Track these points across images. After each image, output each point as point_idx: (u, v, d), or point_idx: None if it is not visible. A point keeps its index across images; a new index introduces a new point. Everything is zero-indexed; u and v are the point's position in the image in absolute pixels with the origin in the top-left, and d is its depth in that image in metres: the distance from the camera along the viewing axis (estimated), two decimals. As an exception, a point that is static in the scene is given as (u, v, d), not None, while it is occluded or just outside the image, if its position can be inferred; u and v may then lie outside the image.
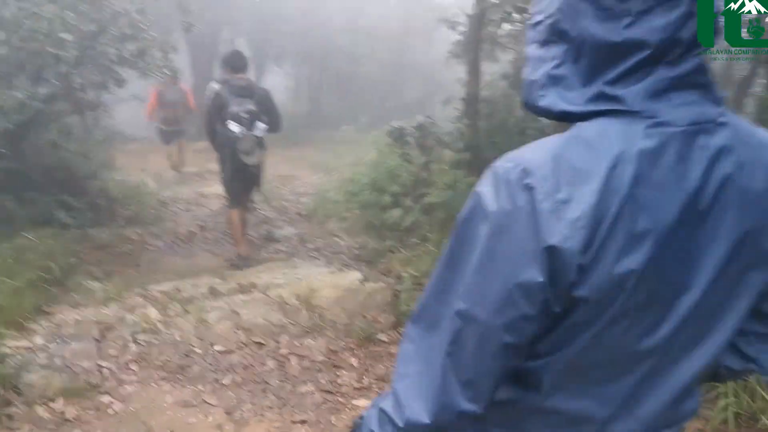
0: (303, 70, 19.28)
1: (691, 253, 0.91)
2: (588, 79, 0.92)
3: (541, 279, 0.85)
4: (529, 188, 0.85)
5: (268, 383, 3.38)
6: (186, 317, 3.95)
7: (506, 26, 8.84)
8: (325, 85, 18.65)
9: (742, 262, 0.93)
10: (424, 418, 0.94)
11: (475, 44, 6.94)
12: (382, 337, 3.91)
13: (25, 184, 6.24)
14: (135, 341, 3.60)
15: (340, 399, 3.28)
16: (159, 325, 3.79)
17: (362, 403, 3.20)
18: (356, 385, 3.40)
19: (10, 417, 2.99)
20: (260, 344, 3.71)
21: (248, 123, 5.49)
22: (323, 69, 18.19)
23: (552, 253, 0.84)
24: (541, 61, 0.96)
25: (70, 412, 3.06)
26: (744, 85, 5.36)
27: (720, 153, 0.89)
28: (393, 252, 5.77)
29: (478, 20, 6.82)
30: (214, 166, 7.94)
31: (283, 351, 3.66)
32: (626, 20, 0.87)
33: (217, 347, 3.61)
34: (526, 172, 0.86)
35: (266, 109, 5.63)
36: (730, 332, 1.00)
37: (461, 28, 8.48)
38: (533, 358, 0.96)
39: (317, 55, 17.58)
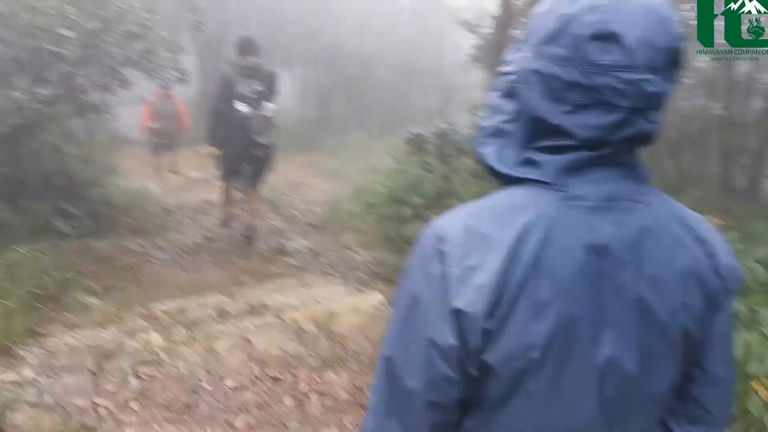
0: (311, 74, 18.88)
1: (592, 324, 0.91)
2: (524, 144, 0.97)
3: (452, 341, 0.89)
4: (441, 254, 0.90)
5: (286, 426, 2.97)
6: (192, 345, 3.55)
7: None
8: (334, 89, 18.23)
9: (656, 333, 0.94)
10: None
11: (499, 48, 6.54)
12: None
13: (22, 191, 5.87)
14: (135, 374, 3.20)
15: (367, 445, 2.88)
16: (162, 355, 3.38)
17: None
18: (385, 428, 2.99)
19: (-9, 465, 2.60)
20: (276, 379, 3.30)
21: (256, 103, 5.55)
22: (332, 73, 17.78)
23: (459, 316, 0.88)
24: (497, 111, 1.01)
25: (61, 459, 2.67)
26: None
27: (639, 231, 0.93)
28: (414, 269, 5.37)
29: (504, 23, 6.43)
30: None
31: (303, 387, 3.25)
32: (565, 107, 0.90)
33: (227, 382, 3.20)
34: (440, 239, 0.91)
35: (272, 93, 5.70)
36: (655, 406, 1.02)
37: (482, 31, 8.09)
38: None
39: (326, 58, 17.18)
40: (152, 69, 6.02)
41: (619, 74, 0.86)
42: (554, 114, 0.91)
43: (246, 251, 6.22)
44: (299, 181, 10.76)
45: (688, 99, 7.11)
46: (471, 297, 0.88)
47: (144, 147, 12.07)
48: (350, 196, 8.52)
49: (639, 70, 0.86)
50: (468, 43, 24.31)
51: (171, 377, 3.21)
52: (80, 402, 3.02)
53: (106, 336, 3.93)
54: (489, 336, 0.88)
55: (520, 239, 0.88)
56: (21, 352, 3.60)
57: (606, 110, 0.88)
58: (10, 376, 3.11)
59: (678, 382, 1.03)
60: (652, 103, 0.90)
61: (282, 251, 6.19)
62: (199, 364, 3.31)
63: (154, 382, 3.17)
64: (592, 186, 0.92)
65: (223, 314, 4.25)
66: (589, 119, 0.89)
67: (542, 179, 0.93)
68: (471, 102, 16.33)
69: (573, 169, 0.92)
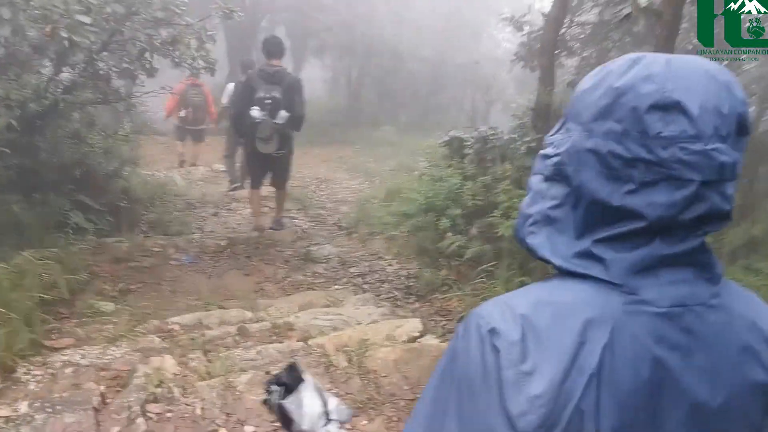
0: (343, 64, 18.47)
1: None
2: (581, 232, 0.87)
3: None
4: (496, 350, 0.81)
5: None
6: (209, 378, 3.17)
7: (576, 29, 8.01)
8: (365, 81, 17.80)
9: None
10: None
11: (550, 47, 6.07)
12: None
13: (38, 184, 5.54)
14: (144, 413, 2.82)
15: None
16: (175, 390, 3.01)
17: None
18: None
19: None
20: (302, 424, 2.91)
21: (270, 110, 5.59)
22: (364, 63, 17.35)
23: (515, 423, 0.78)
24: (541, 196, 0.92)
25: None
26: None
27: (707, 337, 0.86)
28: (450, 286, 4.96)
29: (556, 20, 5.95)
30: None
31: (331, 436, 2.86)
32: (628, 186, 0.82)
33: (248, 429, 2.81)
34: (494, 333, 0.82)
35: (290, 99, 5.69)
36: None
37: (528, 28, 7.60)
38: None
39: (359, 48, 16.74)
40: (179, 57, 5.64)
41: (687, 145, 0.80)
42: (616, 195, 0.83)
43: (271, 256, 5.85)
44: (327, 177, 10.40)
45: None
46: (524, 407, 0.79)
47: (170, 136, 11.83)
48: (381, 197, 8.12)
49: (708, 140, 0.80)
50: (504, 38, 23.70)
51: (184, 418, 2.82)
52: (80, 446, 2.66)
53: (117, 354, 3.58)
54: None
55: (581, 346, 0.80)
56: (22, 373, 3.26)
57: (675, 186, 0.81)
58: (3, 411, 2.75)
59: None
60: (725, 174, 0.82)
61: (309, 258, 5.81)
62: (216, 404, 2.92)
63: (164, 424, 2.79)
64: (664, 289, 0.84)
65: (244, 334, 3.88)
66: (657, 197, 0.82)
67: (608, 279, 0.84)
68: (504, 99, 15.84)
69: (644, 269, 0.84)
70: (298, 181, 9.46)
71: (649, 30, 6.61)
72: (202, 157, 10.56)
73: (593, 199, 0.85)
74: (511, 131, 6.74)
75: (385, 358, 3.38)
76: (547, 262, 0.90)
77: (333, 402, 1.26)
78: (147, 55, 5.67)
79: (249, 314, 4.33)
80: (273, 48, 5.75)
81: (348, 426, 2.93)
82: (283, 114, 5.66)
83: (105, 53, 5.66)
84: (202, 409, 2.88)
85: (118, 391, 3.05)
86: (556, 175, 0.90)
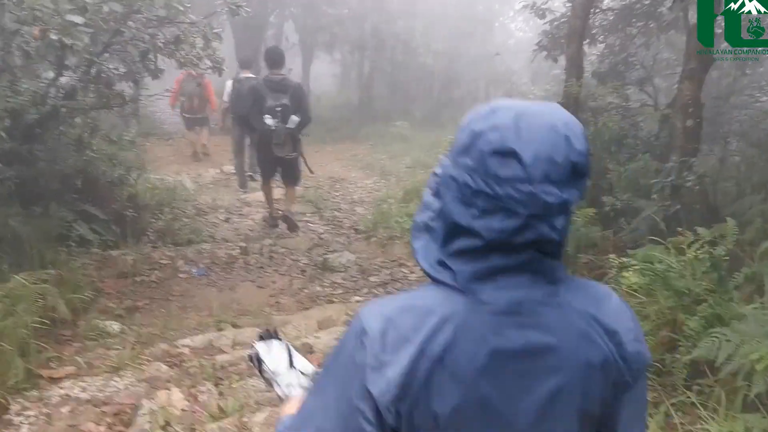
0: (353, 58, 18.08)
1: (495, 413, 1.03)
2: (442, 244, 1.06)
3: (369, 413, 1.00)
4: (363, 346, 1.01)
5: None
6: (221, 416, 2.84)
7: (599, 15, 7.59)
8: (376, 75, 17.39)
9: (557, 413, 1.05)
10: None
11: (578, 34, 5.68)
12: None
13: (37, 195, 5.24)
14: (148, 462, 2.51)
15: None
16: (183, 434, 2.68)
17: None
18: None
19: None
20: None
21: (282, 116, 5.92)
22: (375, 57, 16.94)
23: (373, 398, 1.00)
24: (426, 207, 1.11)
25: None
26: None
27: (539, 332, 1.02)
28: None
29: (585, 6, 5.56)
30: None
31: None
32: (474, 211, 1.00)
33: (264, 480, 2.49)
34: (363, 332, 1.02)
35: (298, 104, 6.07)
36: None
37: (551, 16, 7.20)
38: None
39: (369, 42, 16.34)
40: (183, 57, 5.31)
41: (518, 186, 0.96)
42: (465, 217, 1.01)
43: (286, 266, 5.52)
44: (341, 176, 10.05)
45: None
46: (383, 387, 1.00)
47: (177, 137, 11.56)
48: (398, 197, 7.77)
49: (537, 183, 0.96)
50: (518, 27, 23.22)
51: (192, 470, 2.51)
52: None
53: (120, 386, 3.27)
54: (399, 416, 1.01)
55: (429, 340, 0.99)
56: (15, 412, 2.95)
57: (508, 215, 0.98)
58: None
59: None
60: (551, 210, 0.98)
61: (326, 267, 5.47)
62: (228, 450, 2.60)
63: (170, 476, 2.48)
64: (501, 293, 1.02)
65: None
66: (494, 223, 0.99)
67: (455, 285, 1.03)
68: (520, 91, 15.41)
69: (483, 277, 1.02)
70: (312, 181, 9.12)
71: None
72: (212, 155, 10.38)
73: (450, 217, 1.03)
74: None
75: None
76: (420, 266, 1.09)
77: (300, 357, 1.46)
78: (151, 55, 5.36)
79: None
80: (276, 58, 6.15)
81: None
82: (294, 119, 5.98)
83: (106, 55, 5.36)
84: (213, 457, 2.55)
85: (119, 436, 2.72)
86: (438, 192, 1.07)
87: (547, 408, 1.05)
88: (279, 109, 5.87)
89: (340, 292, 5.06)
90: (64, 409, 2.97)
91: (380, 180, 9.79)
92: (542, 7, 6.97)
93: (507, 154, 0.96)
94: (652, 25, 7.29)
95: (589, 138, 5.92)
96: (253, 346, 1.50)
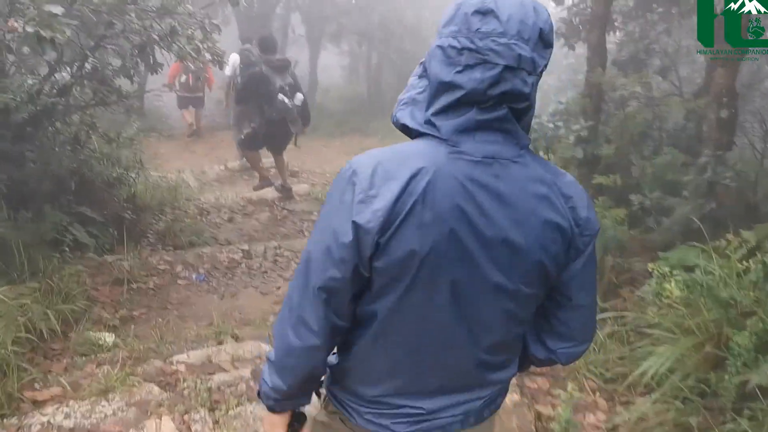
0: (361, 50, 17.69)
1: (466, 250, 1.23)
2: (428, 106, 1.28)
3: (350, 238, 1.20)
4: (353, 184, 1.21)
5: None
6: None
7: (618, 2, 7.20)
8: (385, 66, 17.00)
9: (514, 263, 1.26)
10: (272, 355, 1.37)
11: (600, 21, 5.32)
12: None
13: (29, 198, 4.95)
14: None
15: None
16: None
17: None
18: None
19: None
20: None
21: (290, 95, 6.31)
22: (384, 48, 16.54)
23: (357, 228, 1.19)
24: (413, 87, 1.34)
25: None
26: None
27: (509, 182, 1.23)
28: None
29: (608, -9, 5.20)
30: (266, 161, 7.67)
31: None
32: (457, 68, 1.21)
33: None
34: (354, 173, 1.22)
35: (298, 83, 6.56)
36: (515, 322, 1.36)
37: (569, 2, 6.82)
38: (363, 318, 1.32)
39: (378, 33, 15.95)
40: (180, 51, 4.99)
41: (496, 38, 1.17)
42: (449, 74, 1.22)
43: (291, 270, 5.21)
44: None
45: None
46: (369, 217, 1.19)
47: (181, 134, 11.32)
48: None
49: (511, 37, 1.17)
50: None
51: None
52: None
53: (108, 411, 2.98)
54: (379, 247, 1.20)
55: (413, 178, 1.19)
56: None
57: (487, 68, 1.18)
58: None
59: (543, 305, 1.40)
60: (523, 64, 1.18)
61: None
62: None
63: None
64: (478, 145, 1.22)
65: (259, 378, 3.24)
66: (474, 75, 1.19)
67: (439, 136, 1.24)
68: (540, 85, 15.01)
69: (464, 130, 1.22)
70: (319, 178, 8.81)
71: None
72: (215, 153, 10.13)
73: (436, 79, 1.25)
74: (554, 117, 6.01)
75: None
76: (405, 127, 1.31)
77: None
78: (148, 49, 5.04)
79: (266, 347, 3.70)
80: (272, 43, 6.57)
81: None
82: (300, 96, 6.48)
83: (102, 49, 5.06)
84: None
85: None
86: (424, 72, 1.32)
87: (511, 255, 1.24)
88: (287, 88, 6.22)
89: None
90: (43, 442, 2.68)
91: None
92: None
93: (487, 12, 1.18)
94: (674, 11, 6.90)
95: (613, 130, 5.55)
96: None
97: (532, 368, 1.68)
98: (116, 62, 5.31)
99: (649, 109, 6.21)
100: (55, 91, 5.26)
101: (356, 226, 1.19)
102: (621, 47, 7.53)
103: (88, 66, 5.22)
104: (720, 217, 4.17)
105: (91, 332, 4.06)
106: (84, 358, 3.73)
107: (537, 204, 1.25)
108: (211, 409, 2.92)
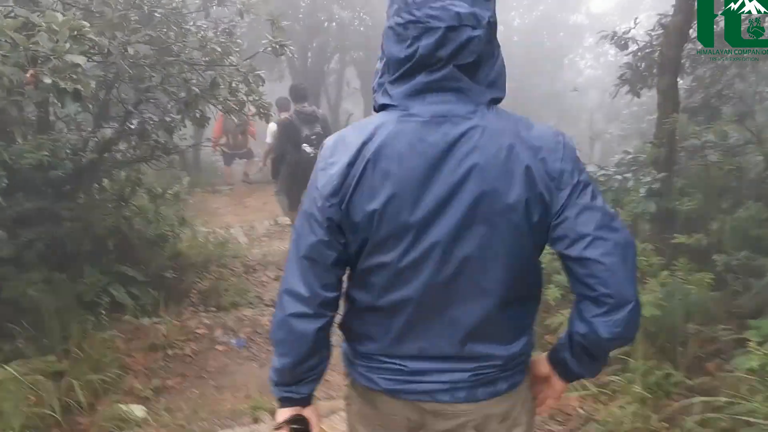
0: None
1: (426, 205, 1.30)
2: (387, 82, 1.38)
3: (318, 204, 1.36)
4: (321, 157, 1.39)
5: None
6: None
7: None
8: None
9: (479, 217, 1.30)
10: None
11: (672, 64, 4.90)
12: None
13: (68, 256, 4.77)
14: None
15: None
16: None
17: None
18: None
19: None
20: None
21: (317, 144, 6.26)
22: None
23: (320, 193, 1.35)
24: (377, 74, 1.43)
25: None
26: None
27: (460, 138, 1.29)
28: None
29: (681, 32, 4.79)
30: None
31: None
32: (407, 43, 1.30)
33: None
34: (322, 147, 1.41)
35: (328, 133, 6.30)
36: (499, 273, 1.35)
37: (634, 47, 6.42)
38: (356, 277, 1.45)
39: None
40: (223, 104, 4.80)
41: (432, 4, 1.27)
42: (401, 50, 1.31)
43: (336, 334, 4.83)
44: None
45: None
46: (325, 181, 1.34)
47: (235, 189, 11.27)
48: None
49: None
50: (587, 65, 22.25)
51: None
52: None
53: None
54: (340, 208, 1.33)
55: (365, 144, 1.31)
56: None
57: (431, 34, 1.26)
58: None
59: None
60: (465, 20, 1.26)
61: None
62: None
63: None
64: (426, 107, 1.31)
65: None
66: (421, 43, 1.28)
67: (391, 103, 1.35)
68: (595, 131, 14.49)
69: (413, 94, 1.32)
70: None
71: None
72: (267, 207, 9.97)
73: (392, 56, 1.34)
74: (620, 168, 5.57)
75: None
76: (376, 105, 1.41)
77: None
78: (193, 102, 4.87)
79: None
80: (303, 93, 6.59)
81: None
82: None
83: (146, 101, 4.92)
84: None
85: None
86: (382, 54, 1.40)
87: (470, 207, 1.29)
88: (314, 137, 6.23)
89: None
90: None
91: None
92: (624, 36, 6.19)
93: None
94: (746, 55, 6.42)
95: (689, 182, 5.06)
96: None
97: None
98: (155, 116, 5.18)
99: (726, 158, 5.70)
100: (97, 147, 5.15)
101: (318, 191, 1.34)
102: (690, 93, 7.05)
103: (134, 121, 5.10)
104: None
105: (120, 404, 3.77)
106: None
107: (496, 155, 1.28)
108: None
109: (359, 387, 1.53)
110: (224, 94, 4.50)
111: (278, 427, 1.51)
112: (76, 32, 2.89)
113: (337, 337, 1.51)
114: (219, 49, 4.36)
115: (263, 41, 4.91)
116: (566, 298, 4.30)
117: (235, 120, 5.48)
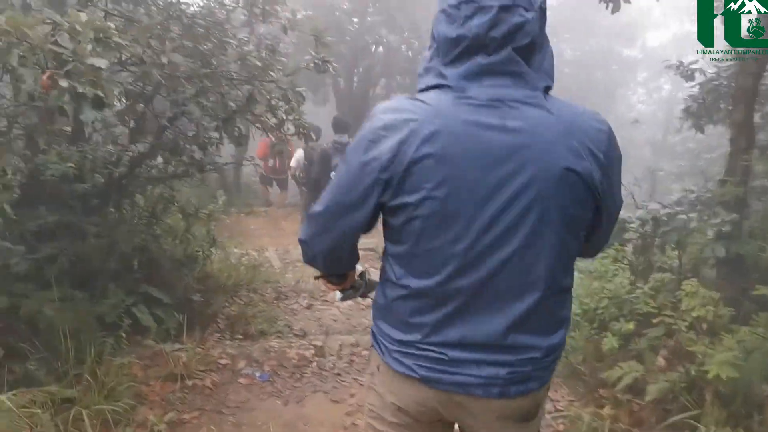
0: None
1: (480, 189, 1.30)
2: (438, 64, 1.37)
3: (363, 173, 1.36)
4: (369, 125, 1.37)
5: None
6: None
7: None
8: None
9: (533, 205, 1.31)
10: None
11: (748, 96, 4.48)
12: None
13: (91, 274, 4.53)
14: None
15: None
16: None
17: None
18: None
19: None
20: None
21: None
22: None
23: (366, 165, 1.35)
24: (424, 59, 1.43)
25: None
26: None
27: (516, 122, 1.29)
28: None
29: (761, 62, 4.38)
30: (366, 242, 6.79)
31: None
32: (459, 22, 1.31)
33: None
34: (371, 116, 1.39)
35: None
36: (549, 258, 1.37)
37: (701, 78, 5.99)
38: (392, 247, 1.47)
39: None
40: (260, 122, 4.55)
41: None
42: (453, 30, 1.32)
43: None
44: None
45: None
46: (375, 154, 1.33)
47: (272, 210, 11.10)
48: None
49: None
50: (639, 99, 21.70)
51: None
52: None
53: None
54: (388, 184, 1.33)
55: (421, 122, 1.30)
56: None
57: (483, 13, 1.28)
58: None
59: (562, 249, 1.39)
60: (517, 1, 1.28)
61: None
62: None
63: None
64: (483, 89, 1.31)
65: None
66: (474, 23, 1.29)
67: (446, 83, 1.34)
68: (649, 168, 13.92)
69: (470, 77, 1.31)
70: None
71: None
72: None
73: (442, 38, 1.34)
74: (682, 207, 5.13)
75: None
76: (425, 86, 1.40)
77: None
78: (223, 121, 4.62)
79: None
80: (343, 125, 7.03)
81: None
82: None
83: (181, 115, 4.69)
84: None
85: None
86: (432, 41, 1.40)
87: (525, 195, 1.30)
88: None
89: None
90: None
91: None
92: (691, 67, 5.77)
93: None
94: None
95: (760, 226, 4.60)
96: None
97: None
98: (189, 131, 4.95)
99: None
100: (130, 161, 4.94)
101: (364, 161, 1.34)
102: (760, 129, 6.58)
103: (169, 134, 4.89)
104: None
105: (132, 442, 3.48)
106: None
107: (556, 148, 1.29)
108: None
109: (390, 371, 1.53)
110: (261, 110, 4.23)
111: (318, 277, 1.74)
112: (102, 35, 2.66)
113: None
114: (259, 64, 4.10)
115: (306, 57, 4.67)
116: (624, 347, 3.89)
117: (272, 138, 5.23)
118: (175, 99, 4.26)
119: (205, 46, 4.14)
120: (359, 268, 1.80)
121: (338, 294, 1.91)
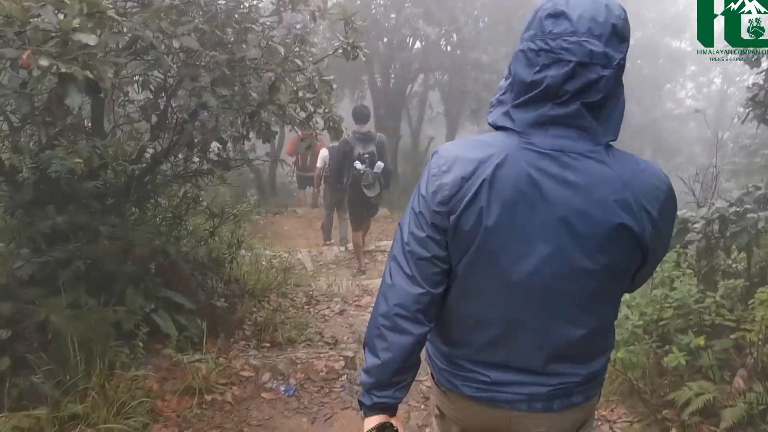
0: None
1: (533, 232, 1.34)
2: (509, 103, 1.41)
3: (426, 207, 1.41)
4: (435, 162, 1.42)
5: None
6: None
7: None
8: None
9: (582, 252, 1.35)
10: (367, 335, 1.55)
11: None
12: None
13: (106, 279, 4.24)
14: None
15: None
16: None
17: None
18: None
19: None
20: None
21: (369, 162, 6.85)
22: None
23: (425, 198, 1.41)
24: (500, 90, 1.47)
25: None
26: None
27: (574, 174, 1.32)
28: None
29: None
30: (388, 244, 7.27)
31: None
32: (536, 68, 1.32)
33: None
34: (435, 154, 1.45)
35: (382, 153, 6.99)
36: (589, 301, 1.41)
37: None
38: (450, 281, 1.48)
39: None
40: (287, 116, 4.21)
41: (567, 38, 1.28)
42: (530, 74, 1.33)
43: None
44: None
45: None
46: (435, 188, 1.39)
47: (306, 211, 10.80)
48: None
49: (582, 35, 1.28)
50: (688, 94, 20.82)
51: None
52: None
53: None
54: (447, 217, 1.37)
55: (483, 162, 1.35)
56: None
57: (561, 65, 1.29)
58: None
59: (601, 286, 1.41)
60: (596, 59, 1.28)
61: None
62: None
63: None
64: (548, 139, 1.33)
65: None
66: (550, 72, 1.30)
67: (513, 128, 1.38)
68: (697, 164, 13.23)
69: (537, 125, 1.34)
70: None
71: None
72: (337, 232, 9.38)
73: (519, 79, 1.36)
74: (753, 205, 4.62)
75: None
76: (490, 125, 1.46)
77: None
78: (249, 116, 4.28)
79: None
80: (363, 115, 7.07)
81: None
82: (380, 164, 6.91)
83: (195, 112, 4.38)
84: None
85: None
86: (509, 74, 1.42)
87: (575, 241, 1.34)
88: (367, 156, 6.77)
89: None
90: None
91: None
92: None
93: (558, 14, 1.30)
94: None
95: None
96: None
97: None
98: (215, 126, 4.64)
99: None
100: (152, 158, 4.65)
101: (428, 196, 1.40)
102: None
103: (190, 129, 4.57)
104: None
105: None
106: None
107: (611, 205, 1.32)
108: None
109: (442, 387, 1.61)
110: (284, 100, 3.88)
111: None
112: (95, 10, 2.34)
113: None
114: (282, 50, 3.75)
115: (335, 43, 4.31)
116: (691, 364, 3.42)
117: (299, 133, 4.86)
118: (193, 88, 3.94)
119: (223, 30, 3.80)
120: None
121: None
